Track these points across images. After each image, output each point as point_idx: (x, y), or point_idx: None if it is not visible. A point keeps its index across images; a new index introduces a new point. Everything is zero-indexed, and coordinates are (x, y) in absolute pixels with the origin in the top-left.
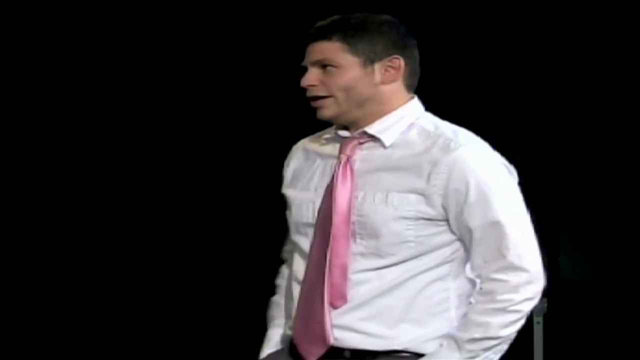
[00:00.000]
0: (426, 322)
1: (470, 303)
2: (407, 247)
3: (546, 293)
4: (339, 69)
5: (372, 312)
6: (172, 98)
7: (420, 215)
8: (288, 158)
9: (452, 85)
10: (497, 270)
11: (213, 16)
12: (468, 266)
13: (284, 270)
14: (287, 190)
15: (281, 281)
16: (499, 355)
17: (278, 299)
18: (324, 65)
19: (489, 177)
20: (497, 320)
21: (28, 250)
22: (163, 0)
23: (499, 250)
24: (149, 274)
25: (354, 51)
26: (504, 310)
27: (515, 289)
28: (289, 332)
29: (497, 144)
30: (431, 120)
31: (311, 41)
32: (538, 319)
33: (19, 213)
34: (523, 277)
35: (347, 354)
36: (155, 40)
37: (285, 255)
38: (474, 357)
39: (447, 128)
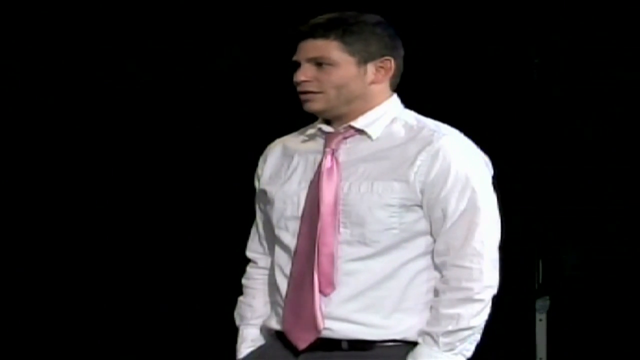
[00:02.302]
0: (419, 311)
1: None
2: (392, 234)
3: (549, 291)
4: (334, 67)
5: (367, 303)
6: (170, 97)
7: (403, 202)
8: (264, 155)
9: (451, 86)
10: (461, 257)
11: (211, 15)
12: None
13: (251, 270)
14: (267, 187)
15: (248, 281)
16: (474, 345)
17: (247, 300)
18: (319, 62)
19: (468, 166)
20: (466, 310)
21: (27, 249)
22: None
23: (465, 237)
24: (146, 273)
25: (350, 50)
26: (470, 300)
27: (479, 275)
28: (275, 325)
29: (499, 143)
30: (413, 115)
31: (307, 37)
32: (541, 317)
33: (14, 212)
34: (484, 263)
35: (344, 345)
36: (152, 39)
37: (252, 254)
38: (452, 349)
39: (429, 121)
